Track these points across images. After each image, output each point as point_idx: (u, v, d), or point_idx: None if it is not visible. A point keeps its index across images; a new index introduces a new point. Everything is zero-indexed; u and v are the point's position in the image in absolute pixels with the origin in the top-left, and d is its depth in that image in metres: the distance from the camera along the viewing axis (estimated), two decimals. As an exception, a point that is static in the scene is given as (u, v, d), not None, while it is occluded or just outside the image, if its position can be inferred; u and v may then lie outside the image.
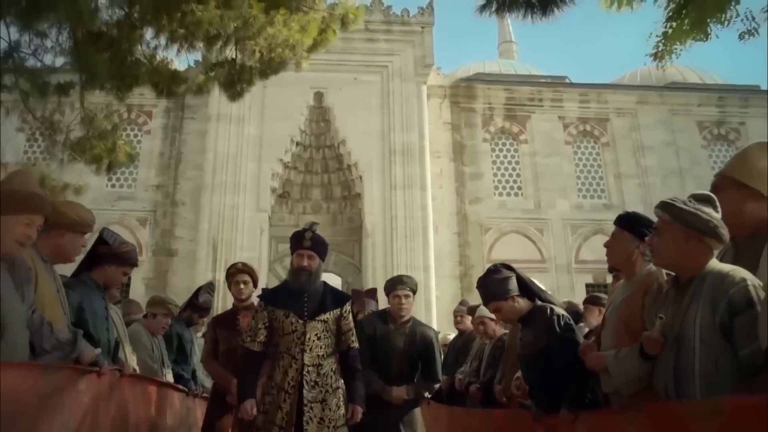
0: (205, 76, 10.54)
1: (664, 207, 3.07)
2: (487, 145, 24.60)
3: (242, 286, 5.98)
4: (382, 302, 6.79)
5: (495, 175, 24.37)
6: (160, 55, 9.93)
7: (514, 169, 24.59)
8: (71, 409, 3.28)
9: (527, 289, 4.45)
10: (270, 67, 10.51)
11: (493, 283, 4.40)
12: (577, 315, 5.16)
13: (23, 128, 19.37)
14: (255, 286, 6.13)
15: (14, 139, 19.85)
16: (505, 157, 24.73)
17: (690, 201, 3.03)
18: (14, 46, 8.99)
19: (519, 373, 4.62)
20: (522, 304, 4.34)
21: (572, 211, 23.76)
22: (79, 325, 3.80)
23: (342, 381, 4.70)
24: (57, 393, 3.10)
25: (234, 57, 10.21)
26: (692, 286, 2.91)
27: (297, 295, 4.58)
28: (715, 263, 2.95)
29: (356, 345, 4.73)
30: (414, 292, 6.00)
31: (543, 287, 4.70)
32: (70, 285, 4.02)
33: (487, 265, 17.37)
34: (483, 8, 6.34)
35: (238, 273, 6.05)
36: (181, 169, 22.50)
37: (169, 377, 6.13)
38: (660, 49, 9.41)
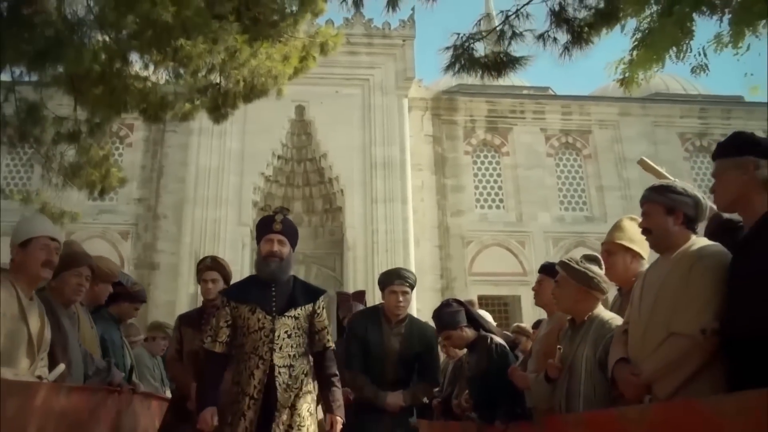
0: (191, 105, 11.60)
1: (562, 266, 4.26)
2: (469, 157, 25.62)
3: (210, 285, 5.69)
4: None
5: (477, 187, 25.38)
6: (150, 83, 10.98)
7: (495, 181, 25.61)
8: (104, 421, 4.41)
9: (474, 320, 5.61)
10: (253, 93, 11.58)
11: (446, 314, 5.54)
12: (513, 343, 6.31)
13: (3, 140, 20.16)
14: (227, 283, 5.82)
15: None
16: (487, 169, 25.77)
17: (582, 261, 4.22)
18: (15, 81, 10.09)
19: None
20: (468, 333, 5.49)
21: (554, 224, 24.76)
22: (102, 353, 4.96)
23: (314, 384, 4.47)
24: (97, 408, 4.24)
25: (218, 82, 11.25)
26: (583, 327, 4.08)
27: (264, 288, 4.38)
28: (600, 310, 4.13)
29: (332, 345, 4.50)
30: (413, 288, 5.69)
31: (489, 319, 5.94)
32: (93, 319, 5.15)
33: (469, 278, 18.52)
34: (447, 68, 7.52)
35: (206, 270, 5.79)
36: (162, 182, 23.38)
37: (168, 394, 7.24)
38: (626, 75, 10.66)
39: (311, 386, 4.37)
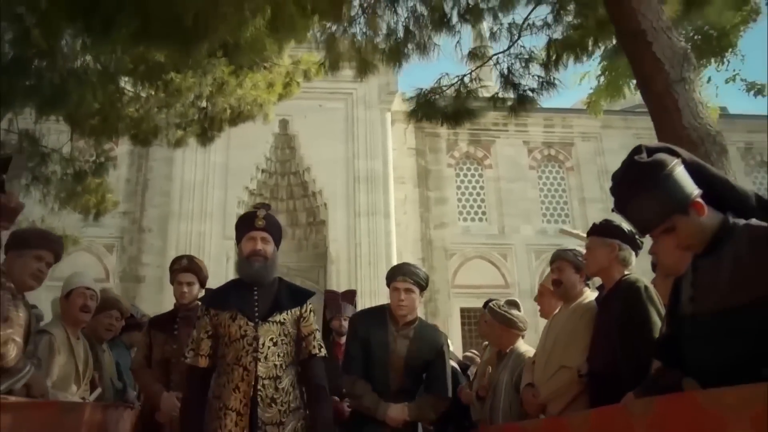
0: (182, 132, 12.79)
1: (488, 310, 5.57)
2: (452, 170, 26.65)
3: (185, 288, 5.56)
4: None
5: (459, 200, 26.40)
6: (142, 111, 12.14)
7: (478, 194, 26.66)
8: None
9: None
10: (240, 118, 12.80)
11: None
12: (465, 366, 7.63)
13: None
14: (203, 286, 5.74)
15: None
16: (470, 182, 26.83)
17: (504, 305, 5.52)
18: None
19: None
20: (427, 356, 6.79)
21: (536, 236, 25.64)
22: (117, 375, 6.20)
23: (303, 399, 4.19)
24: (119, 422, 5.47)
25: (205, 106, 12.41)
26: (506, 357, 5.38)
27: (245, 292, 4.14)
28: (519, 344, 5.45)
29: (321, 353, 4.21)
30: (421, 287, 5.23)
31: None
32: (110, 347, 6.39)
33: (452, 291, 19.63)
34: (410, 115, 8.80)
35: (182, 272, 5.61)
36: (147, 195, 24.19)
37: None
38: (592, 99, 11.97)
39: (300, 401, 4.13)
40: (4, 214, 3.66)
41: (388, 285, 5.25)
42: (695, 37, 10.21)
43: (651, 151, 2.75)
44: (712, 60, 11.35)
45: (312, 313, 4.31)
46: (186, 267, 5.61)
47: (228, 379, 3.95)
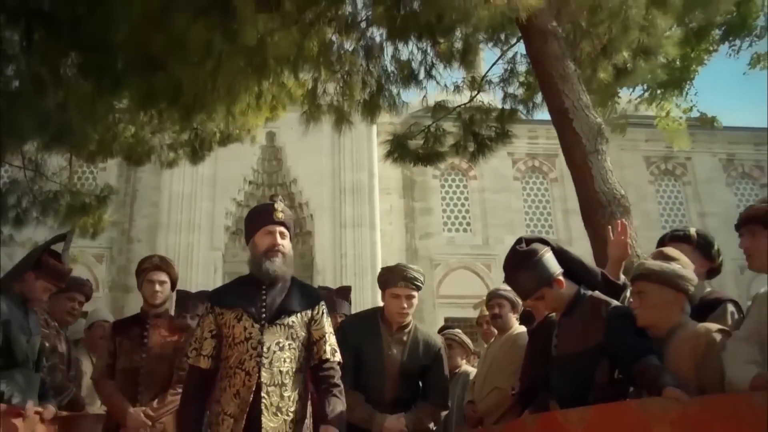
0: (174, 155, 13.95)
1: (448, 333, 6.84)
2: (437, 181, 27.44)
3: (157, 287, 5.31)
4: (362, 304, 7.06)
5: (444, 210, 27.29)
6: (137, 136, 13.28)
7: (463, 205, 27.55)
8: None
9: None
10: (229, 140, 13.98)
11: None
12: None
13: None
14: (173, 287, 5.55)
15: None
16: (455, 193, 27.72)
17: (459, 333, 6.79)
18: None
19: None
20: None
21: None
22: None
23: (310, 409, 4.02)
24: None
25: (196, 128, 13.55)
26: (456, 376, 6.65)
27: (253, 291, 3.92)
28: (465, 365, 6.70)
29: (335, 357, 3.98)
30: (420, 289, 5.12)
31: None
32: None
33: (437, 300, 20.91)
34: (387, 156, 10.05)
35: (153, 270, 5.37)
36: (136, 206, 25.01)
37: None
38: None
39: (308, 411, 3.96)
40: (60, 277, 4.86)
41: (383, 288, 5.15)
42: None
43: (528, 241, 4.02)
44: (675, 92, 12.64)
45: (324, 315, 4.07)
46: (157, 265, 5.41)
47: (229, 383, 3.77)
